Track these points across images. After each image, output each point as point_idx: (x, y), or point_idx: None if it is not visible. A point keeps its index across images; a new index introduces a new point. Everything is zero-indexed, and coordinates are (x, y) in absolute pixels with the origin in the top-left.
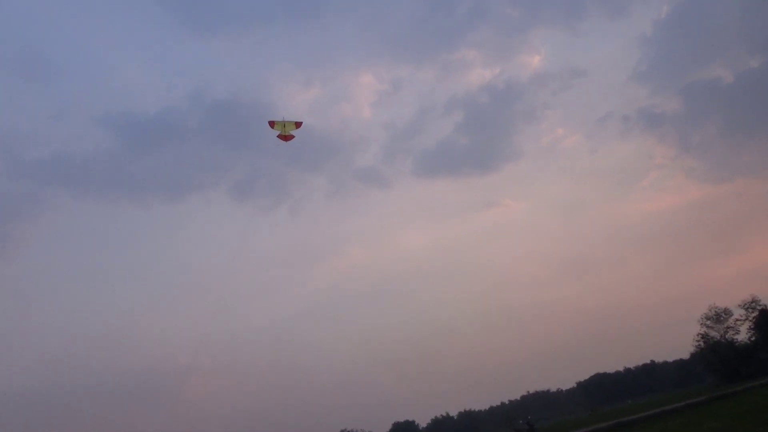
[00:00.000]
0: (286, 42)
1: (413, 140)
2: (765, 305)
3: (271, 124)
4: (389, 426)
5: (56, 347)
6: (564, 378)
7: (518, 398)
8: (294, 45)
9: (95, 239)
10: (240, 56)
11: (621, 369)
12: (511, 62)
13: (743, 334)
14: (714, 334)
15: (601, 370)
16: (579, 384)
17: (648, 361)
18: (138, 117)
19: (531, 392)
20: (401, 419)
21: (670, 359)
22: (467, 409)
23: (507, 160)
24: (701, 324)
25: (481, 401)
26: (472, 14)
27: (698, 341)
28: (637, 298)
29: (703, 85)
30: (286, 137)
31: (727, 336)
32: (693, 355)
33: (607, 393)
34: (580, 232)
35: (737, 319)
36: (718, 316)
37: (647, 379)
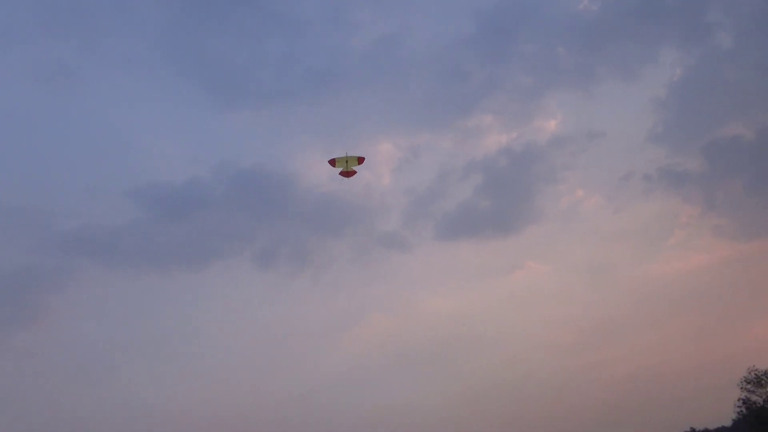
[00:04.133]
0: (309, 114)
1: (434, 204)
2: None
3: (332, 162)
4: None
5: (81, 418)
6: None
7: None
8: (316, 117)
9: (120, 310)
10: (264, 128)
11: None
12: (528, 126)
13: None
14: (756, 398)
15: None
16: None
17: (688, 429)
18: (164, 188)
19: None
20: None
21: (712, 426)
22: None
23: (528, 222)
24: (741, 388)
25: None
26: (487, 82)
27: (740, 407)
28: (672, 362)
29: (724, 143)
30: (348, 173)
31: None
32: (735, 422)
33: None
34: (608, 295)
35: None
36: (759, 380)
37: None
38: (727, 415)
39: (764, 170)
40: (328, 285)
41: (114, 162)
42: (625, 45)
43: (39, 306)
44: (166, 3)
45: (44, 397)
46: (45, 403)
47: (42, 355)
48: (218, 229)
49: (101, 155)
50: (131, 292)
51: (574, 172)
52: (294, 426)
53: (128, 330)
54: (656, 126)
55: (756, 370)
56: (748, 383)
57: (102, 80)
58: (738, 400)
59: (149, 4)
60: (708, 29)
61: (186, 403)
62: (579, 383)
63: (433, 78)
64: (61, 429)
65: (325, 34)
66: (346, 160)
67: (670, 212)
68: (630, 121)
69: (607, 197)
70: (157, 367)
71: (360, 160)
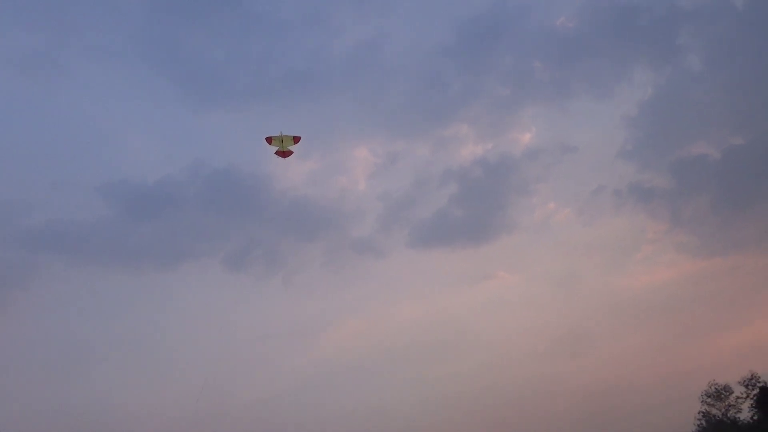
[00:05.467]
0: (286, 116)
1: (408, 212)
2: (765, 382)
3: (269, 140)
4: None
5: (43, 417)
6: None
7: None
8: (293, 119)
9: (86, 308)
10: (240, 128)
11: None
12: (503, 138)
13: (745, 413)
14: (716, 412)
15: None
16: None
17: None
18: (136, 186)
19: None
20: None
21: None
22: None
23: (501, 232)
24: (702, 402)
25: None
26: (465, 92)
27: (700, 420)
28: (634, 374)
29: (691, 161)
30: (284, 153)
31: (729, 415)
32: None
33: None
34: (577, 306)
35: (738, 397)
36: (719, 394)
37: None
38: (688, 428)
39: (728, 189)
40: (299, 289)
41: (84, 156)
42: (600, 63)
43: (0, 303)
44: None
45: (5, 396)
46: (6, 402)
47: (3, 354)
48: (190, 229)
49: (71, 149)
50: (98, 290)
51: (546, 185)
52: (263, 429)
53: (94, 329)
54: (627, 143)
55: (716, 384)
56: (708, 397)
57: (75, 72)
58: (698, 413)
59: None
60: (678, 51)
61: (153, 405)
62: (546, 392)
63: (411, 85)
64: (23, 428)
65: (305, 36)
66: (282, 139)
67: (638, 227)
68: (602, 137)
69: (578, 210)
70: (124, 367)
71: (296, 139)
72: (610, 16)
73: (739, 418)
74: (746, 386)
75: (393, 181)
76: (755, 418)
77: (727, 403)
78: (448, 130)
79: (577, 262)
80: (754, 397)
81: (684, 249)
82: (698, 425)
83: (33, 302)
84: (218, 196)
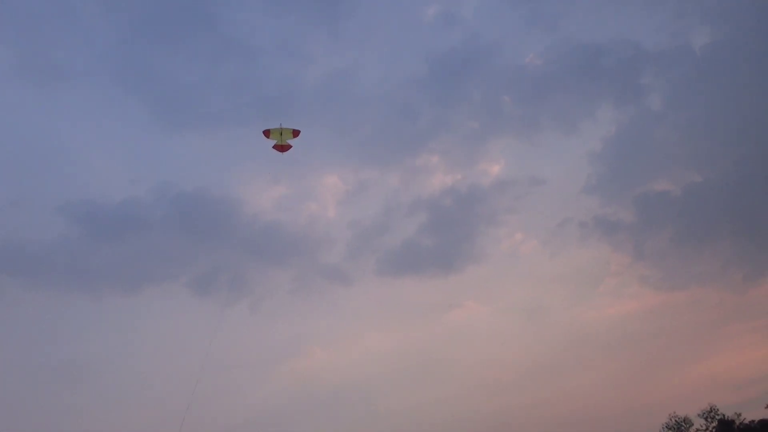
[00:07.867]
0: (257, 141)
1: (378, 240)
2: (724, 415)
3: (266, 133)
4: None
5: None
6: None
7: None
8: (264, 144)
9: (43, 333)
10: (210, 152)
11: None
12: (473, 169)
13: None
14: None
15: None
16: None
17: None
18: (100, 207)
19: None
20: None
21: None
22: None
23: (469, 261)
24: None
25: None
26: (435, 124)
27: None
28: (600, 405)
29: (653, 197)
30: (282, 147)
31: None
32: None
33: None
34: (543, 337)
35: (698, 429)
36: (679, 426)
37: None
38: None
39: (688, 225)
40: (266, 315)
41: (45, 174)
42: (566, 100)
43: None
44: (117, 19)
45: None
46: None
47: None
48: (154, 252)
49: (31, 166)
50: (57, 314)
51: (514, 216)
52: None
53: (52, 354)
54: (591, 177)
55: (676, 416)
56: (669, 429)
57: (41, 89)
58: None
59: (99, 18)
60: (641, 91)
61: None
62: (513, 423)
63: (383, 115)
64: None
65: (279, 64)
66: (281, 132)
67: (602, 260)
68: (568, 171)
69: (545, 242)
70: (83, 394)
71: (295, 133)
72: (577, 56)
73: None
74: (706, 419)
75: (363, 209)
76: None
77: None
78: (418, 160)
79: (544, 293)
80: (713, 430)
81: (646, 282)
82: None
83: None
84: (185, 219)
